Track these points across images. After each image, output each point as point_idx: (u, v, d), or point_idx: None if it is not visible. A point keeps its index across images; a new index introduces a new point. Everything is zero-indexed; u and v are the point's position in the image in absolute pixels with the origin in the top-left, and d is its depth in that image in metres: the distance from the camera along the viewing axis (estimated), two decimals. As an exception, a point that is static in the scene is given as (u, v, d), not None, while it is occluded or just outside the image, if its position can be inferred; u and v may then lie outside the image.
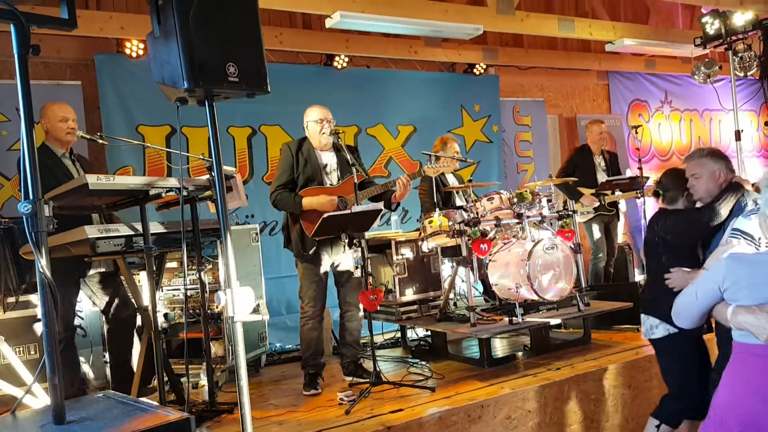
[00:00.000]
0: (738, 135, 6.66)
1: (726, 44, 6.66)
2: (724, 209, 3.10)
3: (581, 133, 7.85)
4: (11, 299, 4.16)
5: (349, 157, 4.08)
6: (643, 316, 3.35)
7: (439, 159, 4.80)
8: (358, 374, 4.27)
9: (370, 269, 4.04)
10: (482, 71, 7.18)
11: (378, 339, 5.35)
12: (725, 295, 2.10)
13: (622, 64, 8.41)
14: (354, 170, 4.06)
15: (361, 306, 4.19)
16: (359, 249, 3.97)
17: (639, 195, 5.69)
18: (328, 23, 5.27)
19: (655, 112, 8.99)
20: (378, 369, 4.03)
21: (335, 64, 6.28)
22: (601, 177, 6.15)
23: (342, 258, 4.22)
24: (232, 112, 5.65)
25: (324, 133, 4.16)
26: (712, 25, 6.68)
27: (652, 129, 8.87)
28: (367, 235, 4.26)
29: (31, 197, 1.91)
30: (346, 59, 6.33)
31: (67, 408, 1.96)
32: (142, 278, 3.93)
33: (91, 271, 3.83)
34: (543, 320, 4.47)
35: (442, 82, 7.01)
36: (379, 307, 4.41)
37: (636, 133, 6.41)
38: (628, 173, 7.22)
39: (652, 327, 3.27)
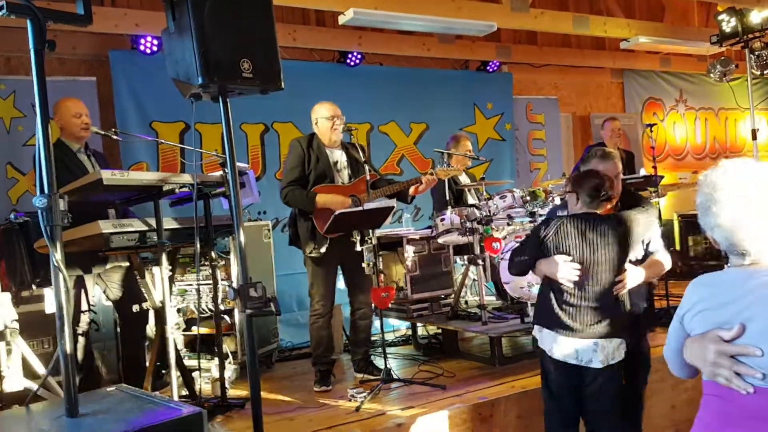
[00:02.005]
0: (754, 134, 6.58)
1: (742, 42, 6.58)
2: None
3: (595, 132, 7.81)
4: (26, 293, 4.21)
5: (362, 155, 4.07)
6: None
7: (451, 158, 4.79)
8: (369, 371, 4.27)
9: (381, 267, 4.03)
10: (495, 69, 7.15)
11: (389, 336, 5.34)
12: (684, 327, 1.68)
13: (636, 62, 8.36)
14: (366, 168, 4.06)
15: (372, 304, 4.19)
16: (371, 246, 3.96)
17: (654, 194, 5.64)
18: (342, 20, 5.27)
19: (669, 110, 8.93)
20: (389, 366, 4.03)
21: (348, 61, 6.28)
22: None
23: (353, 256, 4.21)
24: (245, 109, 5.65)
25: (336, 130, 4.14)
26: (728, 23, 6.59)
27: (666, 128, 8.80)
28: (379, 232, 4.26)
29: (46, 191, 1.92)
30: (359, 56, 6.32)
31: (80, 401, 1.97)
32: (155, 273, 3.95)
33: (108, 265, 3.86)
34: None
35: (455, 80, 6.99)
36: (390, 305, 4.41)
37: (651, 131, 6.36)
38: (642, 172, 7.17)
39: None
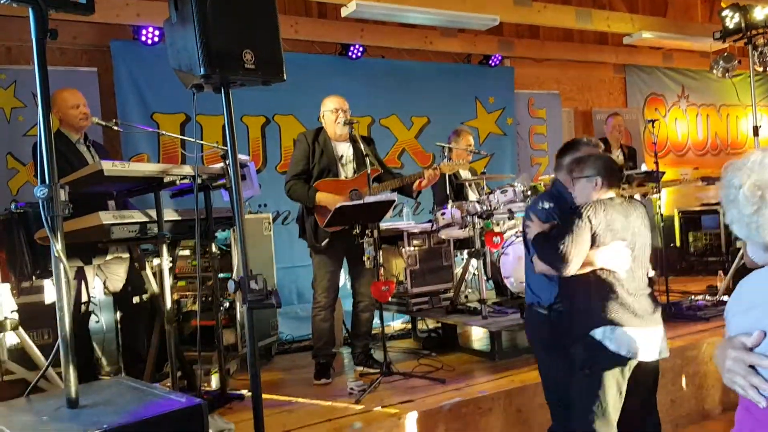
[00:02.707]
0: (756, 131, 6.56)
1: (746, 38, 6.55)
2: None
3: (597, 127, 7.79)
4: (26, 284, 4.20)
5: (363, 147, 4.06)
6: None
7: (452, 152, 4.77)
8: (368, 364, 4.28)
9: (381, 260, 4.03)
10: (497, 63, 7.12)
11: (389, 330, 5.34)
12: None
13: (639, 58, 8.33)
14: (368, 161, 4.05)
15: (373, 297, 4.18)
16: (371, 240, 3.96)
17: (655, 190, 5.64)
18: (344, 12, 5.25)
19: (671, 106, 8.91)
20: (389, 360, 4.03)
21: (350, 54, 6.25)
22: None
23: (355, 249, 4.21)
24: (246, 101, 5.64)
25: (339, 123, 4.14)
26: (732, 19, 6.56)
27: (668, 124, 8.78)
28: (382, 226, 4.25)
29: (47, 181, 1.91)
30: (361, 49, 6.30)
31: (80, 392, 1.97)
32: (155, 265, 3.95)
33: (109, 257, 3.86)
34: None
35: (456, 74, 6.97)
36: (390, 299, 4.41)
37: (652, 127, 6.34)
38: (643, 168, 7.15)
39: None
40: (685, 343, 4.34)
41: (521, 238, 4.45)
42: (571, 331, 2.76)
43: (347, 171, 4.22)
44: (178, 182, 3.26)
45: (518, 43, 7.31)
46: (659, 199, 5.77)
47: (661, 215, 6.15)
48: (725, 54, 7.12)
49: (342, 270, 4.34)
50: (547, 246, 2.69)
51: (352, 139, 4.25)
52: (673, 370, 4.21)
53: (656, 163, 5.60)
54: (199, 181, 3.20)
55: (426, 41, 6.63)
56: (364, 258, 4.21)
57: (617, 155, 6.22)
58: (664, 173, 5.87)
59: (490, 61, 7.08)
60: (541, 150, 7.62)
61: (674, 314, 5.16)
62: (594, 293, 2.69)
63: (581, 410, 2.71)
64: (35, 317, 4.18)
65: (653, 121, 5.93)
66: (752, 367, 1.39)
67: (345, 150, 4.24)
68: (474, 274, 5.01)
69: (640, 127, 8.31)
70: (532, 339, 3.20)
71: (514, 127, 7.27)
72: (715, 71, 7.19)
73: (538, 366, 3.10)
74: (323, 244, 4.06)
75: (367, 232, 3.97)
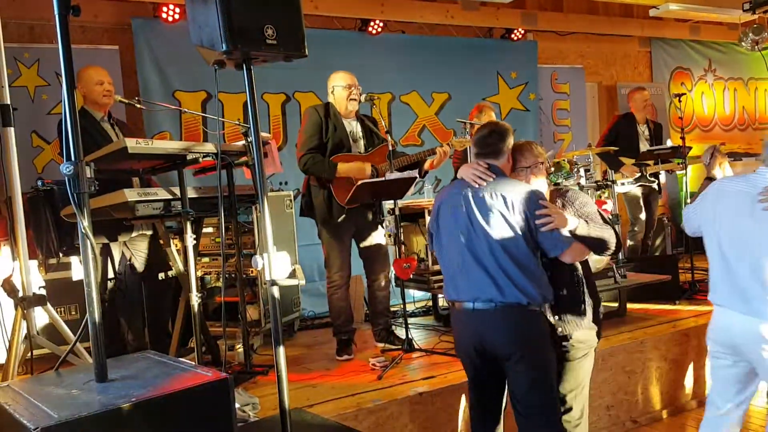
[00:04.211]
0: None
1: (777, 9, 6.37)
2: None
3: (621, 102, 7.66)
4: (53, 260, 4.27)
5: (375, 126, 4.01)
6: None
7: (474, 128, 4.72)
8: (390, 341, 4.29)
9: (402, 238, 4.02)
10: (520, 36, 7.00)
11: (410, 307, 5.36)
12: None
13: (665, 31, 8.14)
14: (389, 137, 4.02)
15: (391, 274, 4.18)
16: (392, 218, 3.95)
17: (682, 166, 5.55)
18: (364, -13, 5.19)
19: (698, 80, 8.72)
20: (410, 336, 4.04)
21: (370, 29, 6.19)
22: (644, 147, 5.99)
23: (367, 227, 4.18)
24: (267, 79, 5.62)
25: (353, 99, 4.09)
26: (763, -11, 6.38)
27: (694, 98, 8.60)
28: (400, 203, 4.23)
29: (72, 159, 1.92)
30: (381, 24, 6.23)
31: (108, 366, 2.00)
32: (179, 242, 3.99)
33: (134, 233, 3.90)
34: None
35: (478, 48, 6.87)
36: (411, 276, 4.41)
37: (678, 102, 6.22)
38: (669, 143, 7.04)
39: None
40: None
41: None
42: (581, 321, 2.76)
43: (359, 147, 4.18)
44: (200, 160, 3.27)
45: (541, 16, 7.16)
46: (685, 175, 5.68)
47: (687, 191, 6.06)
48: (755, 26, 6.93)
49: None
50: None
51: (359, 117, 4.21)
52: (700, 346, 4.18)
53: (682, 138, 5.51)
54: (221, 158, 3.21)
55: (447, 15, 6.53)
56: (384, 235, 4.20)
57: (642, 131, 6.11)
58: (690, 149, 5.77)
59: (513, 35, 6.96)
60: (564, 126, 7.52)
61: (698, 290, 5.12)
62: (588, 281, 2.82)
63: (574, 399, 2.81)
64: (63, 293, 4.26)
65: (679, 96, 5.82)
66: None
67: (355, 127, 4.20)
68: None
69: (666, 102, 8.16)
70: (526, 340, 2.61)
71: (536, 103, 7.17)
72: (743, 43, 7.02)
73: (534, 367, 2.59)
74: (339, 220, 4.03)
75: (388, 210, 3.96)
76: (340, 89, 4.11)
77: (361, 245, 4.27)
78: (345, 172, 3.99)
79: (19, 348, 3.42)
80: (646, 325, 4.48)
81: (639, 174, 5.77)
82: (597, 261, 4.34)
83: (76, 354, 3.39)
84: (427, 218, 4.85)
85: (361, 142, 4.20)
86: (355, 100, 4.09)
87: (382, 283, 4.29)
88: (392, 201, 4.13)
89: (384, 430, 3.23)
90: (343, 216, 4.03)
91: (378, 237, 4.23)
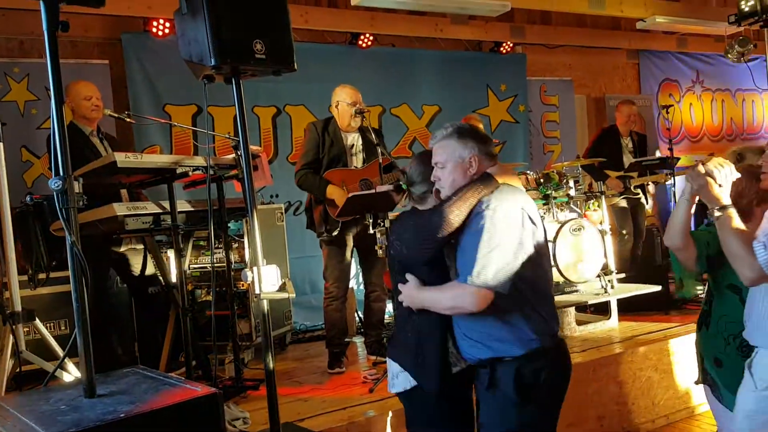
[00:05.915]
0: (772, 115, 6.49)
1: (761, 21, 6.45)
2: (457, 213, 2.13)
3: (610, 114, 7.72)
4: (42, 275, 4.24)
5: (373, 137, 4.05)
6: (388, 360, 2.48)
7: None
8: (381, 353, 4.28)
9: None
10: (509, 49, 7.06)
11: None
12: None
13: (653, 43, 8.23)
14: (379, 150, 4.04)
15: (385, 286, 4.19)
16: (383, 229, 3.95)
17: (669, 176, 5.58)
18: (354, 1, 5.23)
19: (686, 92, 8.81)
20: (402, 349, 4.03)
21: (360, 42, 6.23)
22: (628, 159, 6.02)
23: (366, 239, 4.21)
24: (258, 92, 5.65)
25: (356, 116, 4.13)
26: (747, 2, 6.47)
27: (682, 109, 8.69)
28: (392, 215, 4.24)
29: (61, 173, 1.92)
30: (371, 38, 6.27)
31: (97, 382, 1.99)
32: (169, 256, 3.97)
33: (123, 248, 3.89)
34: (568, 302, 4.43)
35: (467, 61, 6.93)
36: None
37: (666, 113, 6.28)
38: (657, 155, 7.09)
39: (393, 376, 2.42)
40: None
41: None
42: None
43: (357, 161, 4.22)
44: (190, 173, 3.27)
45: (530, 29, 7.23)
46: (674, 186, 5.72)
47: (676, 203, 6.10)
48: (740, 38, 7.03)
49: (353, 260, 4.34)
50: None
51: (362, 130, 4.24)
52: (691, 356, 4.18)
53: (670, 149, 5.56)
54: (211, 172, 3.21)
55: (436, 29, 6.58)
56: (376, 247, 4.20)
57: (625, 143, 6.15)
58: (678, 159, 5.82)
59: (502, 48, 7.02)
60: (554, 137, 7.57)
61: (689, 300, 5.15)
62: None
63: None
64: (52, 308, 4.23)
65: (667, 107, 5.88)
66: None
67: (355, 140, 4.23)
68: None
69: (654, 113, 8.23)
70: (514, 401, 2.16)
71: (526, 115, 7.23)
72: (730, 55, 7.11)
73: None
74: (334, 233, 4.06)
75: (379, 221, 3.96)
76: (345, 105, 4.13)
77: (361, 256, 4.32)
78: (330, 196, 4.03)
79: (7, 364, 3.39)
80: (637, 334, 4.50)
81: (623, 188, 5.77)
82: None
83: (65, 370, 3.36)
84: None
85: (360, 156, 4.24)
86: (357, 117, 4.12)
87: (379, 295, 4.30)
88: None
89: (376, 443, 3.21)
90: (338, 229, 4.06)
91: (377, 248, 4.24)
